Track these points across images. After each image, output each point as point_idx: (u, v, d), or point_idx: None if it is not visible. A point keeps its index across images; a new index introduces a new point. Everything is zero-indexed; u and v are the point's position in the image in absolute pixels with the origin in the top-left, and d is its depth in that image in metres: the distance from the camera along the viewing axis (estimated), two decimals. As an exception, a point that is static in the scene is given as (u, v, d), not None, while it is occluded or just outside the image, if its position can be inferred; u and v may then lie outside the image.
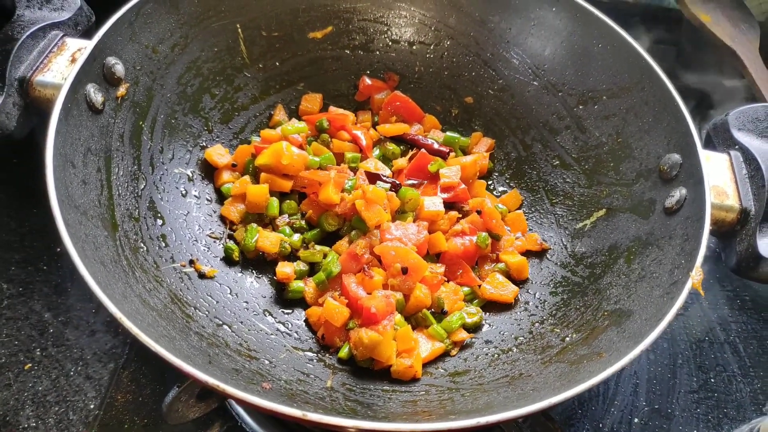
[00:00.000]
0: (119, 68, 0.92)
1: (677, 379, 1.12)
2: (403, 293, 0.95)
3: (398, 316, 0.93)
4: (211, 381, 0.64)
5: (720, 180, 0.91)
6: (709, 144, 1.01)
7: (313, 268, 1.01)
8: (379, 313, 0.89)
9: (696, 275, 0.79)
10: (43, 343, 1.10)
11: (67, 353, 1.10)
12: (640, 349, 0.73)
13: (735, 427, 1.06)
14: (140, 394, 1.02)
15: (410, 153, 1.15)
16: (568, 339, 0.89)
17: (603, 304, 0.91)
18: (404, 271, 0.94)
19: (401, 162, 1.13)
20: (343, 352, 0.90)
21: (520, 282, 1.04)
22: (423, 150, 1.12)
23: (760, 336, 1.19)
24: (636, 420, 1.07)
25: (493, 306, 1.02)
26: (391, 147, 1.15)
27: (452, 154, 1.14)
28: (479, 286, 1.02)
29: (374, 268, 0.95)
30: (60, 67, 0.89)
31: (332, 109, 1.18)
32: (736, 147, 0.95)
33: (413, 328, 0.95)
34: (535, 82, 1.15)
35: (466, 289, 1.01)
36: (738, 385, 1.12)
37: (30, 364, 1.07)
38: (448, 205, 1.07)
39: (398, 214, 1.04)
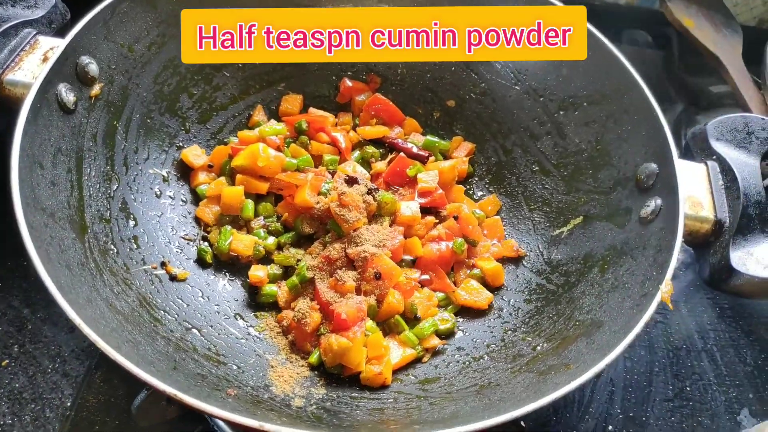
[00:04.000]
0: (93, 67, 0.92)
1: (653, 387, 1.12)
2: (376, 299, 0.94)
3: (370, 322, 0.93)
4: (168, 389, 0.64)
5: (696, 190, 0.91)
6: (687, 153, 1.01)
7: (287, 272, 1.01)
8: (350, 320, 0.88)
9: (665, 288, 0.79)
10: (20, 340, 1.10)
11: (44, 350, 1.10)
12: (605, 362, 0.72)
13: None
14: (113, 395, 1.02)
15: (389, 156, 1.14)
16: (539, 348, 0.89)
17: (575, 313, 0.91)
18: (377, 276, 0.94)
19: (380, 165, 1.12)
20: (313, 358, 0.90)
21: (495, 288, 1.04)
22: (402, 154, 1.11)
23: (738, 344, 1.19)
24: (610, 428, 1.07)
25: (467, 312, 1.02)
26: (371, 150, 1.15)
27: (432, 158, 1.13)
28: (453, 291, 1.01)
29: (347, 273, 0.95)
30: (31, 65, 0.89)
31: (312, 110, 1.17)
32: (714, 157, 0.95)
33: (385, 334, 0.94)
34: (516, 87, 1.15)
35: (440, 294, 1.01)
36: (714, 393, 1.13)
37: (7, 361, 1.07)
38: (425, 210, 1.07)
39: (375, 218, 1.03)
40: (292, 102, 1.18)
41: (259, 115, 1.15)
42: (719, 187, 0.91)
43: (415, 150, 1.13)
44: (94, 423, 0.99)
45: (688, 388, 1.13)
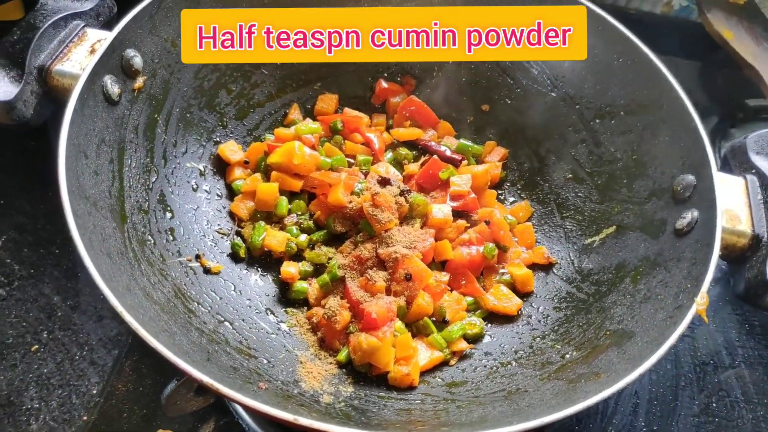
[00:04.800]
0: (137, 61, 0.93)
1: (678, 401, 1.11)
2: (406, 300, 0.95)
3: (399, 323, 0.93)
4: (206, 379, 0.65)
5: (734, 204, 0.90)
6: (725, 166, 1.00)
7: (318, 269, 1.01)
8: (380, 319, 0.89)
9: (701, 301, 0.78)
10: (50, 326, 1.11)
11: (73, 337, 1.11)
12: (638, 373, 0.72)
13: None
14: (141, 384, 1.03)
15: (422, 159, 1.15)
16: (568, 356, 0.89)
17: (606, 323, 0.91)
18: (408, 277, 0.94)
19: (413, 167, 1.13)
20: (342, 356, 0.91)
21: (524, 295, 1.04)
22: (435, 156, 1.11)
23: (767, 362, 1.17)
24: (634, 440, 1.06)
25: (495, 317, 1.02)
26: (404, 151, 1.15)
27: (464, 162, 1.14)
28: (483, 296, 1.01)
29: (378, 273, 0.95)
30: (79, 57, 0.90)
31: (347, 110, 1.18)
32: (753, 171, 0.93)
33: (414, 336, 0.95)
34: (552, 93, 1.14)
35: (469, 299, 1.01)
36: (740, 411, 1.11)
37: (36, 346, 1.09)
38: (457, 214, 1.07)
39: (406, 220, 1.03)
40: (327, 102, 1.18)
41: (295, 113, 1.16)
42: (758, 202, 0.90)
43: (448, 153, 1.13)
44: (122, 411, 1.01)
45: (714, 405, 1.11)
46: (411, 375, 0.88)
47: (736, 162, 0.97)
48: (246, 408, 0.96)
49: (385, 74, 1.22)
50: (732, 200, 0.90)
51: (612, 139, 1.07)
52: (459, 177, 1.08)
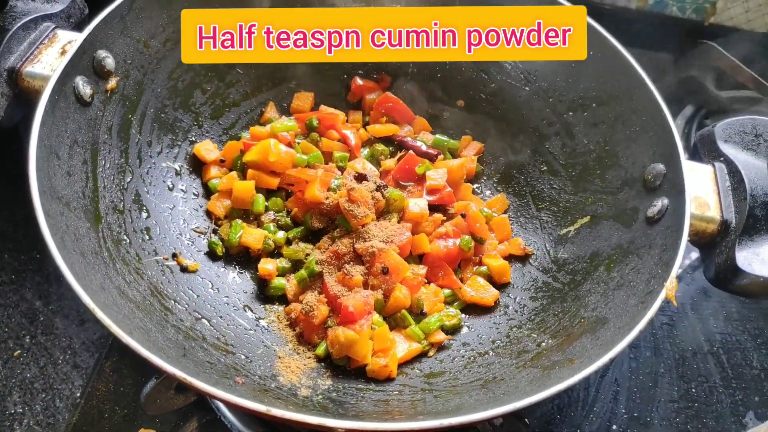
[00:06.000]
0: (109, 62, 0.93)
1: (658, 387, 1.13)
2: (383, 293, 0.95)
3: (376, 316, 0.94)
4: (179, 374, 0.65)
5: (703, 191, 0.91)
6: (696, 155, 1.01)
7: (296, 266, 1.02)
8: (357, 312, 0.89)
9: (670, 285, 0.79)
10: (32, 331, 1.12)
11: (55, 341, 1.12)
12: (609, 357, 0.73)
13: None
14: (121, 384, 1.03)
15: (399, 154, 1.15)
16: (543, 344, 0.90)
17: (581, 311, 0.92)
18: (385, 271, 0.94)
19: (389, 163, 1.13)
20: (320, 350, 0.91)
21: (501, 286, 1.05)
22: (411, 152, 1.12)
23: (744, 348, 1.19)
24: (614, 427, 1.07)
25: (473, 309, 1.03)
26: (380, 147, 1.16)
27: (441, 156, 1.14)
28: (460, 288, 1.02)
29: (355, 267, 0.96)
30: (50, 58, 0.90)
31: (323, 108, 1.18)
32: (721, 159, 0.95)
33: (392, 328, 0.95)
34: (526, 88, 1.15)
35: (447, 291, 1.02)
36: (719, 396, 1.13)
37: (19, 351, 1.09)
38: (434, 208, 1.07)
39: (383, 215, 1.04)
40: (303, 99, 1.19)
41: (271, 111, 1.17)
42: (726, 188, 0.91)
43: (424, 148, 1.14)
44: (103, 411, 1.01)
45: (693, 390, 1.13)
46: (389, 367, 0.89)
47: (705, 150, 0.98)
48: (226, 403, 0.97)
49: (361, 71, 1.22)
50: (701, 187, 0.91)
51: (585, 130, 1.08)
52: (435, 171, 1.09)
